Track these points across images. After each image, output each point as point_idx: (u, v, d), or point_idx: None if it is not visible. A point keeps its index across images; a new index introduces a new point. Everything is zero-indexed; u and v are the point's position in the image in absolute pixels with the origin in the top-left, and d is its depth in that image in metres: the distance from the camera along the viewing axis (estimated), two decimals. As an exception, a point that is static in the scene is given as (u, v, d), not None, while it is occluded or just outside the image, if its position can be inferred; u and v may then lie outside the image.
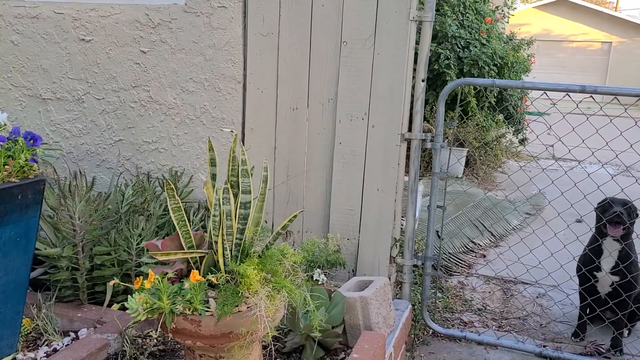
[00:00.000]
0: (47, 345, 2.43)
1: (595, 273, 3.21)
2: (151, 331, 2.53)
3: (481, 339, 3.22)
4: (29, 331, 2.51)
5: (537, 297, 3.87)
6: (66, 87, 3.50)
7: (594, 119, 3.11)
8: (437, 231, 4.00)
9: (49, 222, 2.71)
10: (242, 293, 1.89)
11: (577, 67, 22.76)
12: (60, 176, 3.46)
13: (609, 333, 3.25)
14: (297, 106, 3.14)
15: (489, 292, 3.93)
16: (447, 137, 4.83)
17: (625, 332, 3.31)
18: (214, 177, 2.09)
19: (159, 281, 1.86)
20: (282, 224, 2.13)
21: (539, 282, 3.82)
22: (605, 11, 23.47)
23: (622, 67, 22.05)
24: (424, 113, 6.58)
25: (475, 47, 6.89)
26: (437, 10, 7.02)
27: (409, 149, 3.10)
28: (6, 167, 2.15)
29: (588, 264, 3.22)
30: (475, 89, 6.88)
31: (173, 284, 1.91)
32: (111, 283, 2.05)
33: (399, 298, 3.22)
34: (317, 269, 2.66)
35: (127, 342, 2.38)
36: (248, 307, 1.91)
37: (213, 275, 1.92)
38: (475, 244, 4.81)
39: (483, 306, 3.72)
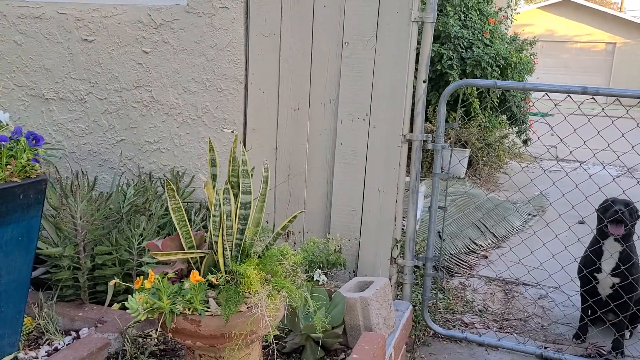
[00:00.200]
0: (48, 344, 2.44)
1: (596, 274, 3.20)
2: (151, 331, 2.53)
3: (482, 340, 3.22)
4: (30, 330, 2.52)
5: (538, 298, 3.86)
6: (69, 87, 3.51)
7: (596, 120, 3.10)
8: (438, 232, 4.00)
9: (51, 222, 2.72)
10: (242, 293, 1.90)
11: (581, 68, 22.70)
12: (63, 176, 3.47)
13: (611, 335, 3.24)
14: (299, 107, 3.14)
15: (490, 293, 3.93)
16: (449, 138, 4.83)
17: (627, 334, 3.31)
18: (214, 177, 2.10)
19: (159, 281, 1.87)
20: (282, 225, 2.13)
21: (540, 283, 3.81)
22: (610, 12, 23.39)
23: (627, 68, 21.98)
24: (427, 114, 6.60)
25: (478, 47, 6.88)
26: (440, 10, 7.02)
27: (410, 149, 3.11)
28: (8, 166, 2.16)
29: (589, 265, 3.22)
30: (477, 89, 6.87)
31: (173, 284, 1.92)
32: (111, 283, 2.06)
33: (399, 299, 3.22)
34: (318, 270, 2.67)
35: (128, 342, 2.39)
36: (248, 307, 1.91)
37: (213, 275, 1.93)
38: (477, 245, 4.80)
39: (484, 307, 3.71)
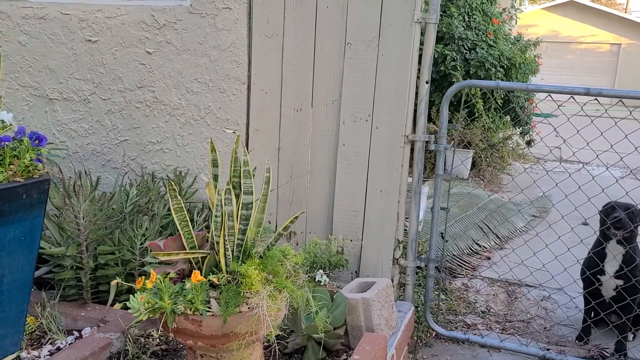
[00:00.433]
0: (50, 343, 2.45)
1: (599, 276, 3.19)
2: (153, 331, 2.54)
3: (484, 341, 3.21)
4: (33, 329, 2.53)
5: (541, 300, 3.85)
6: (72, 88, 3.53)
7: (600, 121, 3.09)
8: (441, 233, 4.00)
9: (54, 221, 2.73)
10: (243, 293, 1.90)
11: (585, 68, 22.63)
12: (66, 176, 3.48)
13: (614, 337, 3.23)
14: (301, 107, 3.14)
15: (493, 295, 3.92)
16: (452, 139, 4.82)
17: (630, 336, 3.30)
18: (215, 178, 2.11)
19: (160, 281, 1.88)
20: (284, 225, 2.13)
21: (543, 285, 3.80)
22: (615, 13, 23.31)
23: (632, 69, 21.89)
24: (430, 114, 6.60)
25: (482, 48, 6.87)
26: (443, 11, 7.01)
27: (412, 150, 3.10)
28: (11, 166, 2.17)
29: (592, 267, 3.21)
30: (481, 90, 6.86)
31: (175, 284, 1.93)
32: (114, 282, 2.06)
33: (402, 300, 3.22)
34: (320, 270, 2.67)
35: (130, 342, 2.39)
36: (249, 308, 1.92)
37: (214, 275, 1.93)
38: (479, 246, 4.79)
39: (487, 309, 3.71)
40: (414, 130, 3.07)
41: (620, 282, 3.14)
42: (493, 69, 6.81)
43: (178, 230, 2.05)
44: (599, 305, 3.22)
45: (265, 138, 3.23)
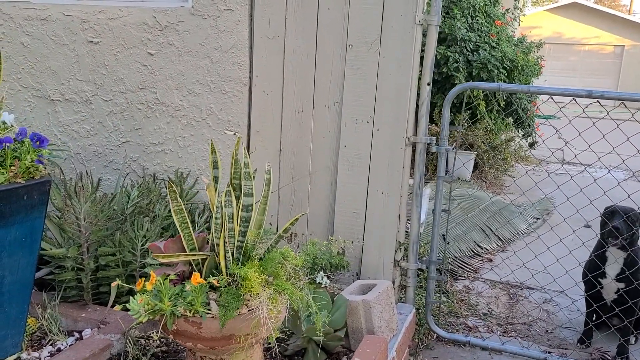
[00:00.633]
0: (51, 344, 2.45)
1: (600, 279, 3.18)
2: (153, 332, 2.54)
3: (485, 344, 3.20)
4: (33, 331, 2.54)
5: (543, 302, 3.84)
6: (74, 89, 3.53)
7: (602, 124, 3.08)
8: (442, 235, 3.99)
9: (55, 223, 2.74)
10: (243, 295, 1.90)
11: (589, 70, 22.58)
12: (68, 177, 3.49)
13: (615, 340, 3.22)
14: (303, 109, 3.14)
15: (495, 297, 3.91)
16: (454, 141, 4.81)
17: (632, 339, 3.28)
18: (216, 179, 2.11)
19: (160, 283, 1.88)
20: (284, 227, 2.13)
21: (544, 287, 3.79)
22: (618, 14, 23.26)
23: (635, 71, 21.84)
24: (432, 116, 6.59)
25: (485, 50, 6.86)
26: (446, 13, 7.00)
27: (414, 152, 3.10)
28: (12, 167, 2.17)
29: (593, 270, 3.19)
30: (484, 92, 6.84)
31: (175, 286, 1.92)
32: (114, 284, 2.07)
33: (403, 302, 3.21)
34: (321, 272, 2.66)
35: (130, 343, 2.39)
36: (249, 310, 1.92)
37: (214, 277, 1.93)
38: (481, 248, 4.78)
39: (488, 311, 3.70)
40: (415, 132, 3.07)
41: (621, 285, 3.13)
42: (495, 71, 6.80)
43: (179, 232, 2.05)
44: (601, 308, 3.21)
45: (267, 139, 3.23)
